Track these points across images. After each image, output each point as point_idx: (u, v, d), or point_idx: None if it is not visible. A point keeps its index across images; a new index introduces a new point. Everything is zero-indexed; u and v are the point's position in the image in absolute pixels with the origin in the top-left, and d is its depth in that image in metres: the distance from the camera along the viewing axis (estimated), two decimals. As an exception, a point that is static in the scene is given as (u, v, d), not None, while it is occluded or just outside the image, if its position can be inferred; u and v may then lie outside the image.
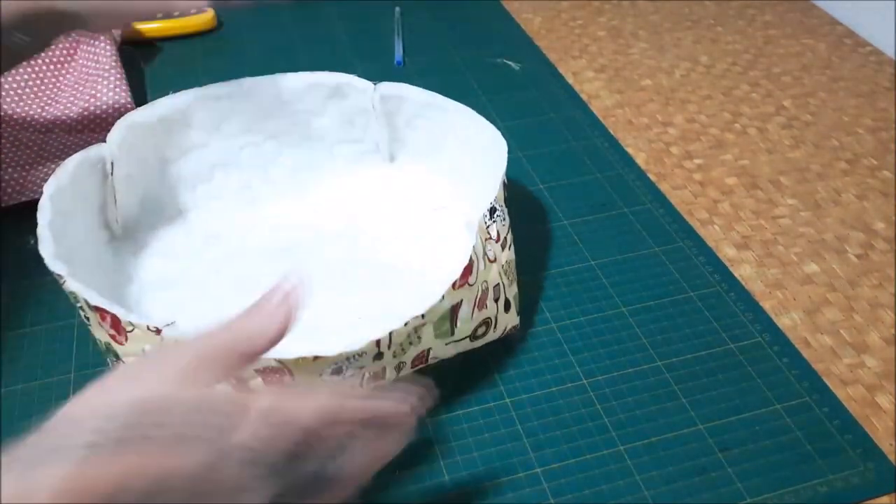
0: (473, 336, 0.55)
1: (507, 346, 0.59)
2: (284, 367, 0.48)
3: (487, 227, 0.55)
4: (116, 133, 0.62)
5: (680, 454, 0.52)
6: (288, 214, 0.69)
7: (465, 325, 0.54)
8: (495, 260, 0.55)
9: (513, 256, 0.57)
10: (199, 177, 0.68)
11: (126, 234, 0.65)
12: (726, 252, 0.67)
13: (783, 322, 0.61)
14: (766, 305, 0.63)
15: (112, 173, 0.62)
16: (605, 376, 0.57)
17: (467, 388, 0.56)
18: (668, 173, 0.76)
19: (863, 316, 0.62)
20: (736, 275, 0.65)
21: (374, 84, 0.67)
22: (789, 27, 0.97)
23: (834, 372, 0.58)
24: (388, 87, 0.67)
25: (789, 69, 0.90)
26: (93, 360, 0.59)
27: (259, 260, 0.65)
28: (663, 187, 0.74)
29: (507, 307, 0.57)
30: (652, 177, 0.75)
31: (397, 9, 0.93)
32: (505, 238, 0.56)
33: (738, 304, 0.62)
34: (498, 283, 0.55)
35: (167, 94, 0.76)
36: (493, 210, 0.56)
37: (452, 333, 0.54)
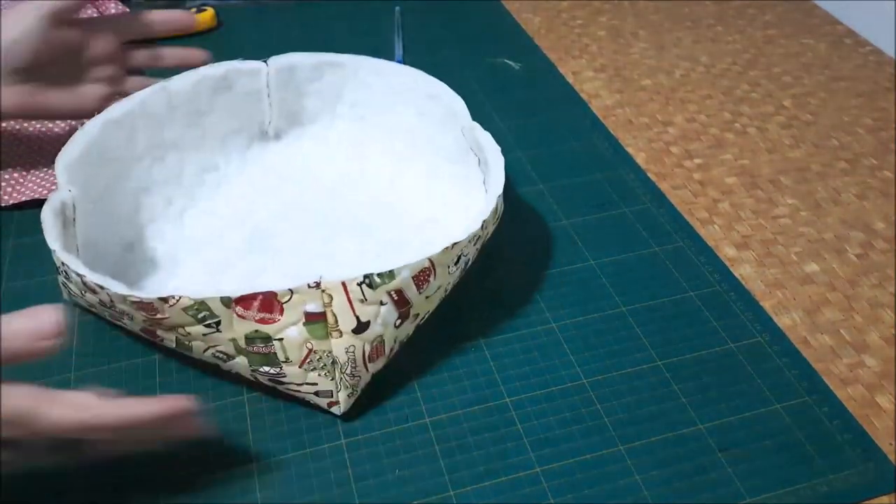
0: None
1: (506, 345, 0.59)
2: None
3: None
4: (63, 174, 0.59)
5: (680, 454, 0.52)
6: (210, 224, 0.69)
7: (282, 366, 0.53)
8: (342, 335, 0.52)
9: None
10: (129, 204, 0.67)
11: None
12: (726, 252, 0.67)
13: (783, 322, 0.61)
14: (766, 305, 0.63)
15: (74, 217, 0.59)
16: (604, 376, 0.57)
17: (467, 387, 0.56)
18: (668, 173, 0.76)
19: (863, 315, 0.62)
20: (736, 274, 0.65)
21: (265, 62, 0.69)
22: (789, 27, 0.97)
23: (834, 372, 0.58)
24: (279, 61, 0.69)
25: (789, 69, 0.90)
26: (92, 361, 0.59)
27: (213, 265, 0.65)
28: (663, 187, 0.74)
29: None
30: (652, 176, 0.75)
31: (397, 8, 0.93)
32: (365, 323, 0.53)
33: (738, 304, 0.62)
34: (338, 362, 0.53)
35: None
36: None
37: (265, 364, 0.53)
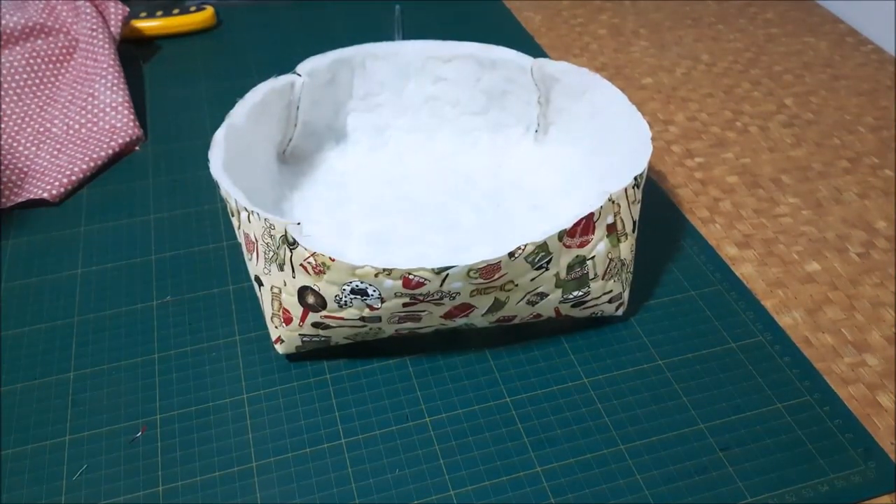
0: (578, 302, 0.57)
1: (506, 345, 0.59)
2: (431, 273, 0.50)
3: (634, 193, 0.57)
4: (308, 65, 0.68)
5: (681, 453, 0.52)
6: (421, 172, 0.73)
7: (589, 284, 0.56)
8: (627, 237, 0.57)
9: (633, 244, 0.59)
10: (344, 129, 0.74)
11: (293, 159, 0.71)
12: (727, 251, 0.67)
13: (784, 321, 0.61)
14: (768, 304, 0.62)
15: (300, 99, 0.68)
16: (605, 375, 0.57)
17: (468, 386, 0.56)
18: (670, 172, 0.76)
19: (864, 315, 0.62)
20: (737, 274, 0.65)
21: (532, 60, 0.69)
22: (791, 25, 0.97)
23: (835, 371, 0.57)
24: (547, 65, 0.68)
25: (791, 67, 0.90)
26: (91, 360, 0.59)
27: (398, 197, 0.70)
28: (664, 186, 0.74)
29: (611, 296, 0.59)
30: (653, 175, 0.75)
31: (397, 6, 0.93)
32: (635, 222, 0.58)
33: (739, 303, 0.62)
34: (625, 263, 0.58)
35: (166, 92, 0.76)
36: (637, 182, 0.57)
37: (576, 289, 0.56)
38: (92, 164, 0.74)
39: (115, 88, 0.79)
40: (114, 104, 0.78)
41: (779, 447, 0.52)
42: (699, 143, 0.79)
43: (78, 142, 0.76)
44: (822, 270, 0.66)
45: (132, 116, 0.79)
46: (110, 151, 0.76)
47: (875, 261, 0.66)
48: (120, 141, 0.76)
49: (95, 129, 0.78)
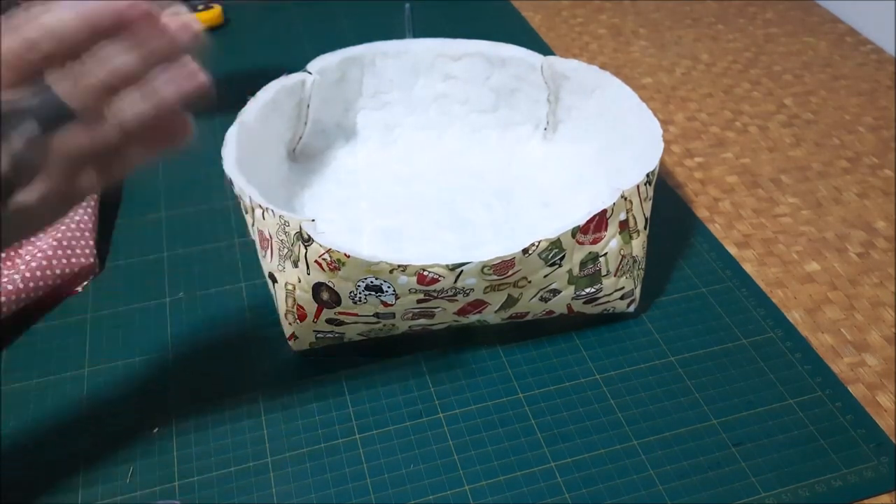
0: (591, 298, 0.58)
1: (518, 341, 0.60)
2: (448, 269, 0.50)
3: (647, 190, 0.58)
4: (318, 63, 0.69)
5: (694, 449, 0.53)
6: (427, 169, 0.73)
7: (602, 280, 0.57)
8: (639, 234, 0.58)
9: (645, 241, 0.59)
10: (355, 127, 0.74)
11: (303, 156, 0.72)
12: (727, 250, 0.68)
13: (785, 320, 0.62)
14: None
15: (310, 97, 0.68)
16: (617, 371, 0.57)
17: (480, 382, 0.57)
18: (669, 171, 0.76)
19: (864, 314, 0.62)
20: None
21: (542, 58, 0.69)
22: (790, 25, 0.98)
23: (835, 371, 0.58)
24: (556, 63, 0.69)
25: (790, 67, 0.91)
26: (105, 356, 0.59)
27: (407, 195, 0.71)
28: (664, 186, 0.74)
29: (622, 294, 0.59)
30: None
31: (407, 5, 0.93)
32: (647, 219, 0.59)
33: (750, 300, 0.63)
34: (637, 260, 0.58)
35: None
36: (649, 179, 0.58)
37: (589, 286, 0.56)
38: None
39: None
40: None
41: (791, 443, 0.53)
42: (699, 142, 0.80)
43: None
44: (821, 270, 0.66)
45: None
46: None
47: (874, 261, 0.67)
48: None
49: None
